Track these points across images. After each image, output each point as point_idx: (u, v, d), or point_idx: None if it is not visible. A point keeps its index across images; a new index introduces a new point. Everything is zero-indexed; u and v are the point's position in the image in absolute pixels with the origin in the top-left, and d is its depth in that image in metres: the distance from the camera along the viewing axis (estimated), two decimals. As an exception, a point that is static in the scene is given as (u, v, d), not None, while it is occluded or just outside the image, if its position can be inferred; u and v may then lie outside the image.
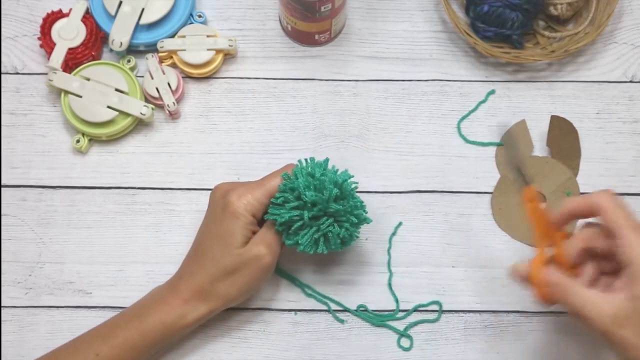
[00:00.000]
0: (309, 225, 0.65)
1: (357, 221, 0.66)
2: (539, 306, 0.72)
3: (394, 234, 0.74)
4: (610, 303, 0.55)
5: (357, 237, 0.68)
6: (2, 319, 0.72)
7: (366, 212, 0.67)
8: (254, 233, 0.67)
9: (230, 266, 0.65)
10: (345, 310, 0.72)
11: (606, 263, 0.60)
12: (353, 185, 0.66)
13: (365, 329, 0.72)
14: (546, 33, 0.80)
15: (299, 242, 0.65)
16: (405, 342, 0.71)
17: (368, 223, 0.68)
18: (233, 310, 0.72)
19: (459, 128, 0.78)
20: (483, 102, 0.79)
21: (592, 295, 0.56)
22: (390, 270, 0.73)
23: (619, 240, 0.56)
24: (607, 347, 0.57)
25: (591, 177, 0.76)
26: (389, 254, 0.74)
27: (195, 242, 0.69)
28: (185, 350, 0.71)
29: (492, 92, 0.79)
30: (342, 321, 0.72)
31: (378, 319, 0.72)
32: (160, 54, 0.79)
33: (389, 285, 0.73)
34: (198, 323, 0.67)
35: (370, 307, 0.72)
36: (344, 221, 0.65)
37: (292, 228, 0.65)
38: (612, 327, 0.55)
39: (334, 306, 0.72)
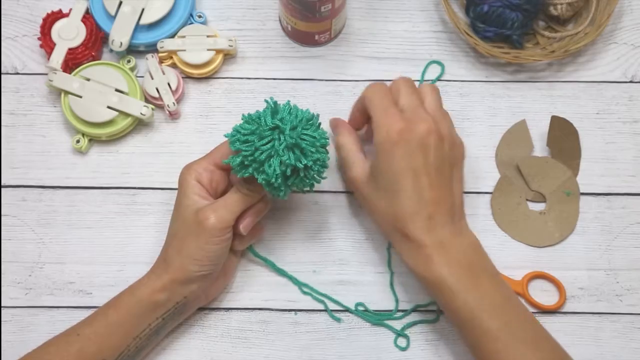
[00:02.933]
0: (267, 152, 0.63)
1: (317, 155, 0.64)
2: (536, 308, 0.72)
3: (394, 234, 0.74)
4: (361, 167, 0.69)
5: (321, 175, 0.66)
6: (2, 319, 0.72)
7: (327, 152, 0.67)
8: (202, 198, 0.67)
9: (179, 231, 0.67)
10: (344, 309, 0.72)
11: None
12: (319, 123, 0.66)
13: (365, 329, 0.72)
14: (546, 33, 0.80)
15: (266, 172, 0.63)
16: (402, 342, 0.71)
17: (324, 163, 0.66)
18: (233, 310, 0.72)
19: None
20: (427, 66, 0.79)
21: (356, 158, 0.70)
22: (391, 270, 0.73)
23: (373, 110, 0.68)
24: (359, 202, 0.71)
25: (591, 177, 0.76)
26: (388, 253, 0.74)
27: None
28: (185, 350, 0.71)
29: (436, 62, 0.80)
30: (338, 320, 0.72)
31: (376, 318, 0.72)
32: (160, 54, 0.79)
33: (391, 284, 0.73)
34: (168, 297, 0.66)
35: (371, 307, 0.72)
36: (308, 152, 0.64)
37: (250, 158, 0.63)
38: (356, 180, 0.69)
39: (332, 305, 0.72)
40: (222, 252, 0.67)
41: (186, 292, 0.67)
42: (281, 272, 0.73)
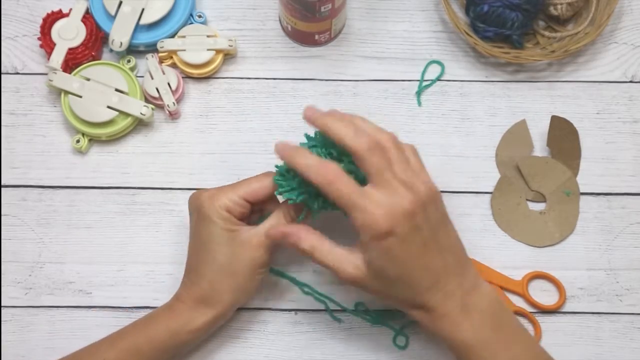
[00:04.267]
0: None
1: None
2: (535, 307, 0.72)
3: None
4: (352, 264, 0.62)
5: None
6: (2, 319, 0.72)
7: None
8: (234, 230, 0.65)
9: (225, 266, 0.65)
10: (344, 309, 0.72)
11: None
12: None
13: (365, 328, 0.72)
14: (546, 33, 0.80)
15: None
16: (401, 341, 0.71)
17: None
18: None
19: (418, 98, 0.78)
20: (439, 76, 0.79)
21: (339, 255, 0.62)
22: (390, 270, 0.73)
23: (350, 209, 0.60)
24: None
25: (591, 177, 0.76)
26: (389, 254, 0.74)
27: (188, 254, 0.68)
28: (185, 350, 0.71)
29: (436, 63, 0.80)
30: (339, 320, 0.72)
31: (376, 317, 0.72)
32: (160, 54, 0.79)
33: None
34: (205, 330, 0.67)
35: (371, 307, 0.72)
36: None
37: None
38: (356, 280, 0.62)
39: (332, 305, 0.72)
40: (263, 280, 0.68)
41: (223, 320, 0.68)
42: (280, 274, 0.73)
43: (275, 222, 0.66)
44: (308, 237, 0.63)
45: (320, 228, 0.64)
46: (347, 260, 0.62)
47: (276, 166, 0.66)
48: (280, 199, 0.67)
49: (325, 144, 0.64)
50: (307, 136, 0.66)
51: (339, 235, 0.65)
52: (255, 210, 0.68)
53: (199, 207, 0.66)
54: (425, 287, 0.61)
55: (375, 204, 0.59)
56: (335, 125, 0.62)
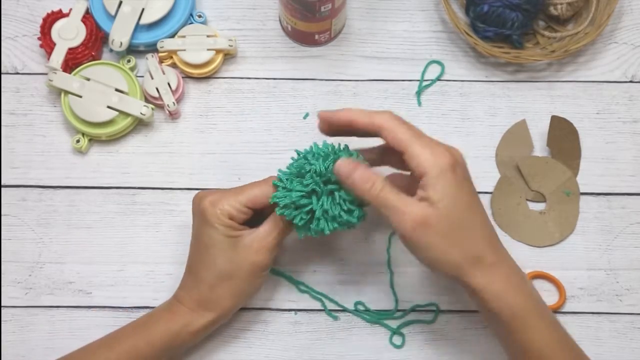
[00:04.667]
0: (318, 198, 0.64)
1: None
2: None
3: (393, 233, 0.74)
4: (418, 205, 0.59)
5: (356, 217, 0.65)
6: (2, 319, 0.72)
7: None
8: (235, 236, 0.65)
9: (225, 271, 0.65)
10: (342, 309, 0.72)
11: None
12: None
13: (365, 328, 0.72)
14: (546, 33, 0.80)
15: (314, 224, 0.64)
16: (397, 340, 0.71)
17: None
18: (233, 310, 0.72)
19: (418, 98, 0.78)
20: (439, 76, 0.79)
21: (403, 204, 0.59)
22: (390, 270, 0.73)
23: (407, 156, 0.60)
24: (410, 250, 0.61)
25: (591, 177, 0.76)
26: (388, 253, 0.74)
27: (189, 254, 0.68)
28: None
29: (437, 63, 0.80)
30: (335, 317, 0.72)
31: (375, 317, 0.72)
32: (160, 54, 0.79)
33: (391, 284, 0.73)
34: (204, 332, 0.67)
35: (371, 306, 0.72)
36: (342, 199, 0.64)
37: (303, 210, 0.64)
38: (424, 221, 0.59)
39: (330, 305, 0.72)
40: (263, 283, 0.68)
41: (223, 321, 0.68)
42: (277, 273, 0.73)
43: (273, 224, 0.66)
44: (370, 180, 0.61)
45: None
46: (411, 202, 0.60)
47: (279, 170, 0.66)
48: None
49: (317, 157, 0.64)
50: (298, 152, 0.66)
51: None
52: (258, 213, 0.68)
53: (201, 211, 0.66)
54: (482, 237, 0.61)
55: (434, 143, 0.61)
56: (353, 113, 0.63)
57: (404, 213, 0.59)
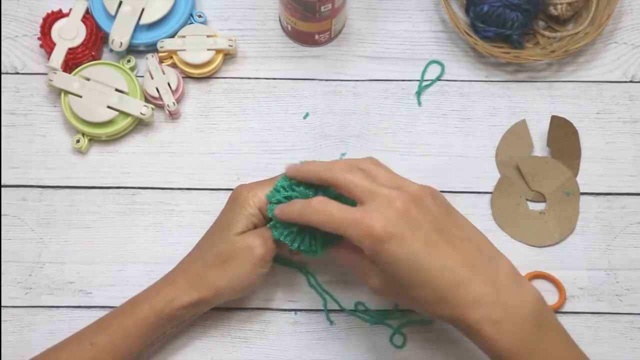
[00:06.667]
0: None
1: None
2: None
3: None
4: (377, 276, 0.60)
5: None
6: (2, 319, 0.72)
7: None
8: (256, 227, 0.66)
9: (223, 252, 0.65)
10: (342, 310, 0.72)
11: None
12: None
13: (365, 328, 0.72)
14: (546, 33, 0.80)
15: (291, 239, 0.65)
16: (398, 340, 0.71)
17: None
18: (233, 310, 0.72)
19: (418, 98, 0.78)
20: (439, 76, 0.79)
21: (367, 266, 0.60)
22: (390, 270, 0.73)
23: (344, 228, 0.58)
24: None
25: (591, 177, 0.76)
26: (389, 254, 0.74)
27: (205, 234, 0.69)
28: (185, 350, 0.71)
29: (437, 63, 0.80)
30: (331, 322, 0.72)
31: (375, 317, 0.72)
32: (160, 54, 0.79)
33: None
34: (188, 311, 0.66)
35: (371, 307, 0.72)
36: None
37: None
38: (381, 292, 0.61)
39: (333, 304, 0.72)
40: (260, 279, 0.67)
41: (209, 308, 0.68)
42: (286, 264, 0.72)
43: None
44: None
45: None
46: (372, 272, 0.60)
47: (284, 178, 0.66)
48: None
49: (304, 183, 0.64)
50: (285, 177, 0.66)
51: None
52: None
53: (236, 195, 0.67)
54: (448, 285, 0.56)
55: (366, 213, 0.57)
56: (307, 167, 0.63)
57: (368, 278, 0.61)
